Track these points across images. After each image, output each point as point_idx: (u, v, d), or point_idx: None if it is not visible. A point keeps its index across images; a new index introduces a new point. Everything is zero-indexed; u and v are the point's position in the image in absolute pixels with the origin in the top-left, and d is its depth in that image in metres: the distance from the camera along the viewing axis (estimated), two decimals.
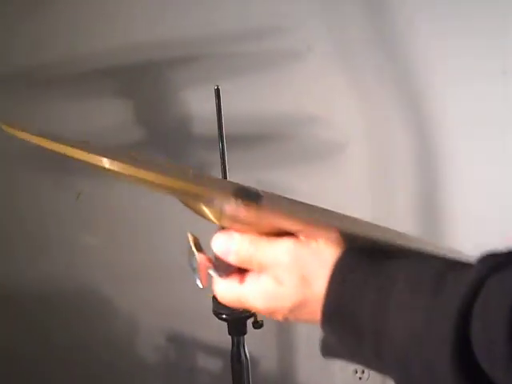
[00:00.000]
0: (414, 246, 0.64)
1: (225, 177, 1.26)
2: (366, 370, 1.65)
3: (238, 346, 1.31)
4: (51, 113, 1.61)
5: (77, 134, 1.58)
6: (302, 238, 0.65)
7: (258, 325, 1.30)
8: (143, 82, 1.58)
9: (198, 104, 1.55)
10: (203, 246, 0.72)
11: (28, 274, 1.72)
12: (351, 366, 1.66)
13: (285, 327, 1.67)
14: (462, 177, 1.55)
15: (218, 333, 1.32)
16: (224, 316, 1.28)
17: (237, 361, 1.31)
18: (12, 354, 1.74)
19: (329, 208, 0.73)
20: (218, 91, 1.22)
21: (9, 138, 1.60)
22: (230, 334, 1.30)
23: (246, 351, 1.32)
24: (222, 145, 1.25)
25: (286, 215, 0.66)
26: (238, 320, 1.29)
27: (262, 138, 1.58)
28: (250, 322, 1.30)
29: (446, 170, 1.56)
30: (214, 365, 1.68)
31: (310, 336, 1.67)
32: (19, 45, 1.60)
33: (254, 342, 1.40)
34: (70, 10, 1.55)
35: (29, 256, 1.73)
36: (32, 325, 1.73)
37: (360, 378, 1.66)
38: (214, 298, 1.31)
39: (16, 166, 1.67)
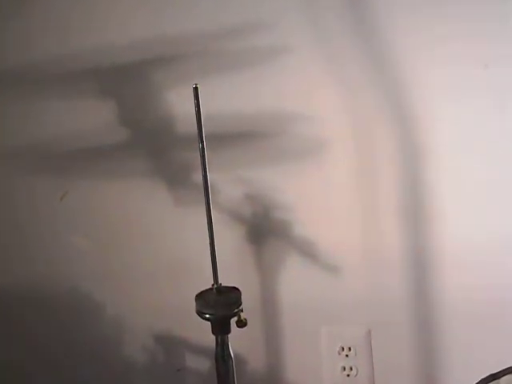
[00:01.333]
0: None
1: (205, 176, 1.26)
2: (354, 367, 1.65)
3: (222, 345, 1.31)
4: (31, 113, 1.61)
5: (58, 134, 1.60)
6: None
7: (241, 324, 1.30)
8: (124, 82, 1.57)
9: (179, 103, 1.54)
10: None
11: (14, 274, 1.72)
12: (339, 363, 1.66)
13: (271, 326, 1.67)
14: (447, 172, 1.54)
15: (206, 332, 1.32)
16: (207, 316, 1.28)
17: (221, 360, 1.32)
18: None
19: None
20: (196, 90, 1.22)
21: None
22: (213, 333, 1.31)
23: (231, 350, 1.32)
24: (202, 143, 1.25)
25: None
26: (221, 319, 1.29)
27: (244, 137, 1.57)
28: (233, 321, 1.30)
29: (432, 166, 1.55)
30: (201, 364, 1.68)
31: (297, 334, 1.67)
32: (4, 44, 1.60)
33: (240, 342, 1.40)
34: (45, 11, 1.55)
35: (15, 257, 1.73)
36: (18, 325, 1.73)
37: (348, 375, 1.66)
38: (197, 298, 1.31)
39: (5, 167, 1.67)
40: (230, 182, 1.58)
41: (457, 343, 1.59)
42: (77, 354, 1.74)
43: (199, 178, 1.29)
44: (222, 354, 1.31)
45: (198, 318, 1.30)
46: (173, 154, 1.62)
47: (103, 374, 1.76)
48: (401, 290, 1.60)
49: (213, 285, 1.31)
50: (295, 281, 1.63)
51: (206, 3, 1.51)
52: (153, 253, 1.67)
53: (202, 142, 1.25)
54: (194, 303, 1.31)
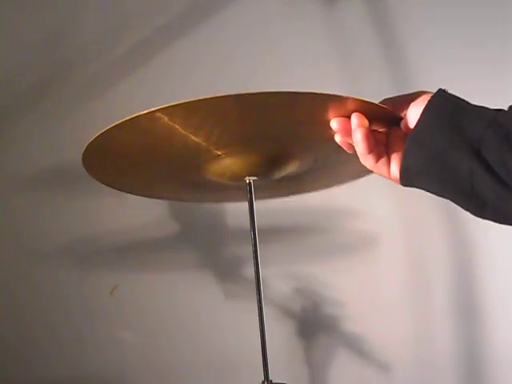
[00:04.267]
0: None
1: (257, 270, 1.26)
2: None
3: None
4: (83, 208, 1.63)
5: (109, 229, 1.61)
6: None
7: None
8: None
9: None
10: None
11: (61, 371, 1.72)
12: None
13: None
14: (500, 269, 1.53)
15: None
16: None
17: None
18: None
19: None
20: (250, 185, 1.24)
21: (47, 236, 1.64)
22: None
23: None
24: (255, 238, 1.25)
25: None
26: None
27: (295, 231, 1.58)
28: None
29: (484, 263, 1.54)
30: None
31: None
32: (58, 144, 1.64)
33: None
34: None
35: (62, 352, 1.73)
36: None
37: None
38: None
39: (58, 261, 1.69)
40: (279, 276, 1.58)
41: None
42: None
43: (249, 271, 1.29)
44: None
45: None
46: (222, 247, 1.62)
47: None
48: None
49: (263, 382, 1.30)
50: (345, 377, 1.61)
51: None
52: (202, 347, 1.66)
53: (254, 235, 1.25)
54: None
